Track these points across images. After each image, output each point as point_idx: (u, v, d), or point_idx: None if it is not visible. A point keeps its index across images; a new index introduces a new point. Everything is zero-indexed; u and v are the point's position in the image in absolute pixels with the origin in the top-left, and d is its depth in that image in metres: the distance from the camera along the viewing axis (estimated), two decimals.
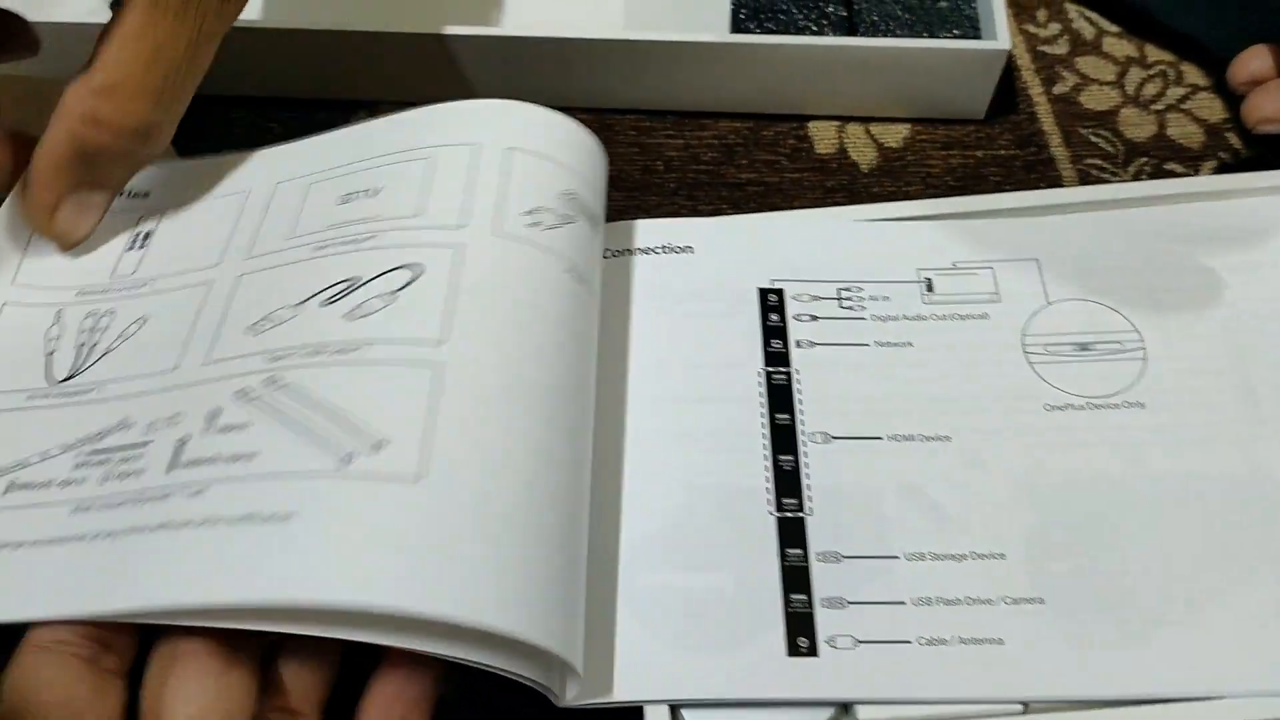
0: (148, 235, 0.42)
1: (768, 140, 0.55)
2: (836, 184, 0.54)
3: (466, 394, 0.34)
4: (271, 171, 0.43)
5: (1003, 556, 0.39)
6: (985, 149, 0.55)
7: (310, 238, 0.39)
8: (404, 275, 0.36)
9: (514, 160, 0.40)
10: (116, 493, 0.33)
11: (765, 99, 0.54)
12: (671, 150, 0.55)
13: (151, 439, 0.34)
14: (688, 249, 0.46)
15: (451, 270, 0.36)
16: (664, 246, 0.46)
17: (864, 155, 0.55)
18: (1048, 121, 0.56)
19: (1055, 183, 0.54)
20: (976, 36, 0.55)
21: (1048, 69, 0.58)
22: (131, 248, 0.42)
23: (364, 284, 0.36)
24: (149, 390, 0.36)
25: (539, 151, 0.41)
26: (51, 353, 0.39)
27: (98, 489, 0.34)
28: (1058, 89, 0.57)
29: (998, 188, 0.53)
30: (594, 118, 0.54)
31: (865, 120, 0.56)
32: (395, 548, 0.30)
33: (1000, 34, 0.52)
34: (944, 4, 0.56)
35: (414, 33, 0.52)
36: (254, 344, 0.35)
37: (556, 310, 0.38)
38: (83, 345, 0.39)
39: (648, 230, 0.46)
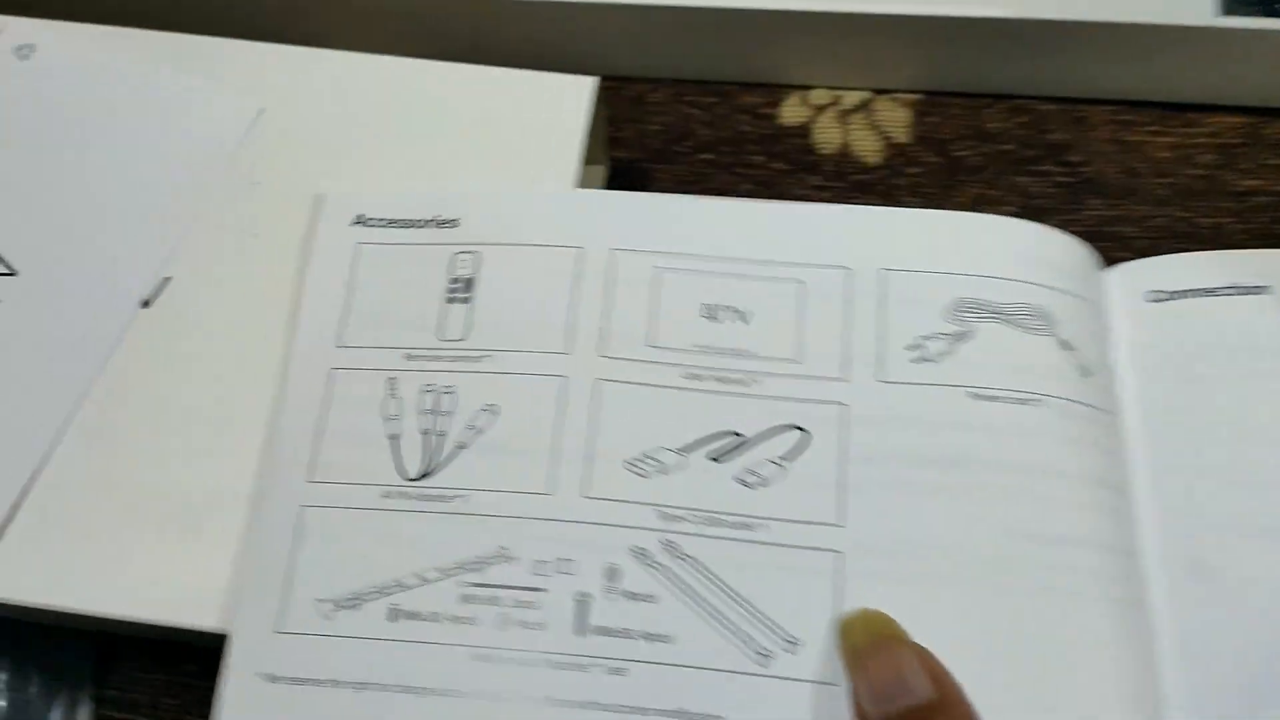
0: (469, 284, 0.38)
1: (1272, 139, 0.46)
2: None
3: (871, 586, 0.33)
4: (606, 228, 0.38)
5: None
6: None
7: (676, 356, 0.36)
8: (791, 439, 0.35)
9: (889, 284, 0.37)
10: (522, 647, 0.32)
11: (1267, 91, 0.46)
12: (1158, 150, 0.46)
13: (544, 586, 0.33)
14: (1263, 289, 0.37)
15: (839, 436, 0.35)
16: (1230, 287, 0.37)
17: None
18: None
19: None
20: None
21: None
22: (454, 298, 0.38)
23: (752, 444, 0.35)
24: (524, 515, 0.34)
25: (914, 266, 0.37)
26: (395, 436, 0.36)
27: (496, 635, 0.33)
28: None
29: None
30: (1064, 109, 0.47)
31: None
32: None
33: None
34: None
35: (832, 11, 0.45)
36: (638, 489, 0.34)
37: (972, 452, 0.34)
38: (428, 432, 0.35)
39: (1202, 266, 0.38)
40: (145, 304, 0.39)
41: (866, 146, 0.47)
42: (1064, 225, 0.38)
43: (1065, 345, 0.36)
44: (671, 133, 0.47)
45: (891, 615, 0.32)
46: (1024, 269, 0.37)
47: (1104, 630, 0.32)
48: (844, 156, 0.47)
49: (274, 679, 0.33)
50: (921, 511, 0.33)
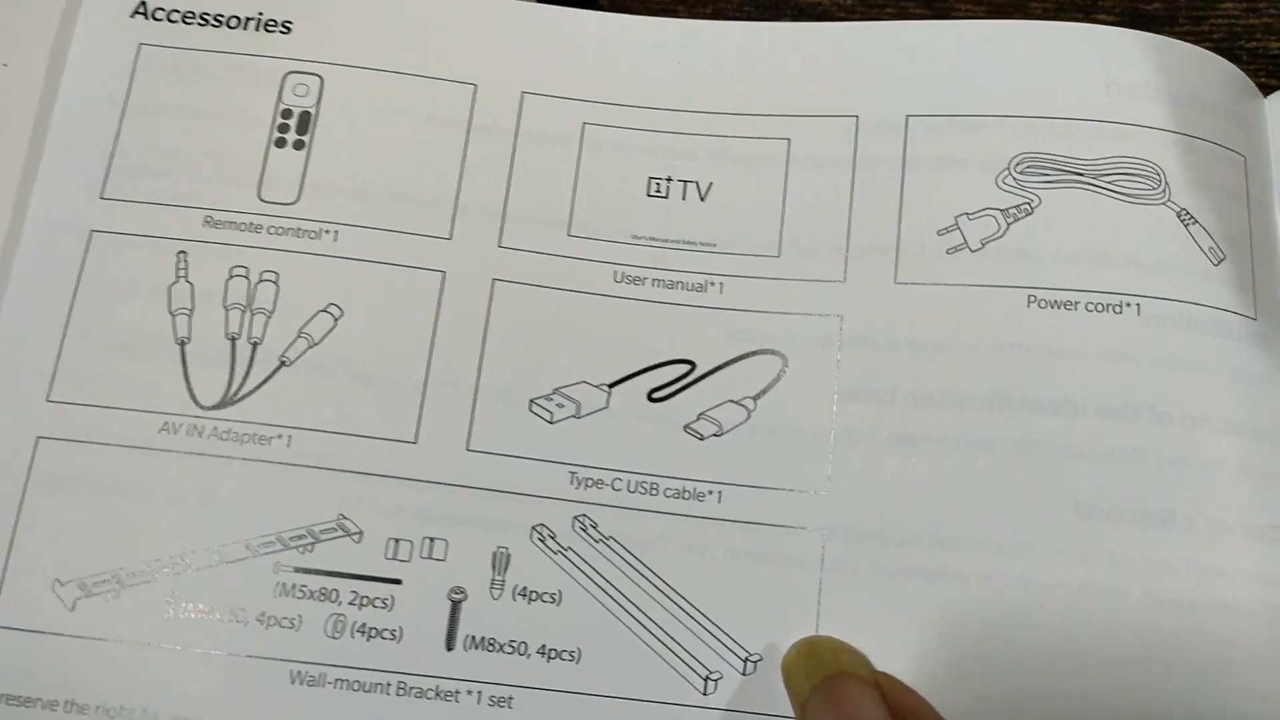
0: (305, 121, 0.29)
1: None
2: None
3: (864, 583, 0.26)
4: (515, 58, 0.30)
5: None
6: None
7: (606, 250, 0.29)
8: (761, 369, 0.28)
9: (915, 137, 0.29)
10: (365, 665, 0.26)
11: None
12: None
13: (401, 577, 0.27)
14: None
15: (830, 364, 0.28)
16: None
17: None
18: None
19: None
20: None
21: None
22: (283, 141, 0.29)
23: (706, 376, 0.28)
24: (375, 472, 0.27)
25: (952, 108, 0.29)
26: (184, 341, 0.27)
27: (329, 646, 0.26)
28: None
29: None
30: None
31: None
32: None
33: None
34: None
35: None
36: (542, 440, 0.28)
37: (1032, 386, 0.27)
38: (236, 338, 0.27)
39: None
40: None
41: None
42: (1192, 37, 0.30)
43: (1188, 218, 0.28)
44: None
45: (878, 631, 0.26)
46: (1122, 102, 0.29)
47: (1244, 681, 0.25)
48: None
49: None
50: (948, 477, 0.27)
